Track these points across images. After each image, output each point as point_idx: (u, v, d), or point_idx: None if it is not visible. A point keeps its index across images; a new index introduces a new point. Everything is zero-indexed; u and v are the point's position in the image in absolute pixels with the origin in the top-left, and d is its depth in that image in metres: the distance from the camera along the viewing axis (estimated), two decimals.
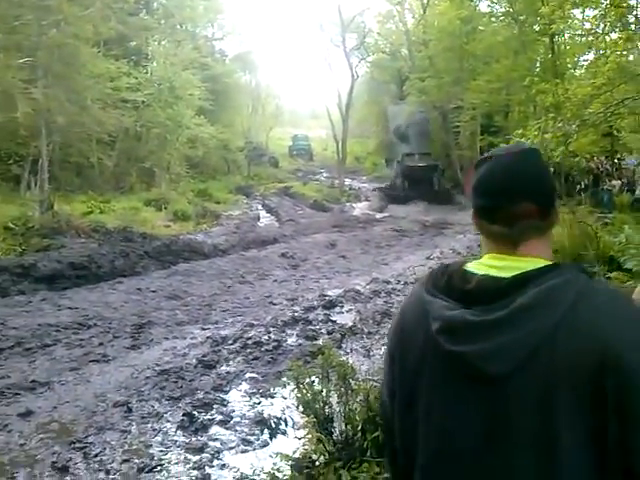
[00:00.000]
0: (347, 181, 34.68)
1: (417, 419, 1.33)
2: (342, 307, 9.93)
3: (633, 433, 1.09)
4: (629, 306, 1.25)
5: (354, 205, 29.34)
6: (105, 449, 5.09)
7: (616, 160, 25.52)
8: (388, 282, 11.63)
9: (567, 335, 1.14)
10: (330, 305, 9.94)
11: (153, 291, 11.12)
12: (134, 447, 5.15)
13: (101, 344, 7.97)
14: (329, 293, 10.86)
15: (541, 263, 1.26)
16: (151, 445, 5.19)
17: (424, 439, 1.31)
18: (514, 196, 1.30)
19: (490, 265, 1.31)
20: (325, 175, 39.43)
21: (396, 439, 1.42)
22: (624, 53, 10.90)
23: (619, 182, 23.45)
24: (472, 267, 1.33)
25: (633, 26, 10.62)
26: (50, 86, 17.87)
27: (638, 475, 1.09)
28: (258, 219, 24.11)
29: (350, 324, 8.81)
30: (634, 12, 10.62)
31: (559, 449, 1.13)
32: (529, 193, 1.30)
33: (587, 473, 1.12)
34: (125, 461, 4.90)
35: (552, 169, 8.07)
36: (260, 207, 27.56)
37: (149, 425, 5.58)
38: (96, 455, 4.98)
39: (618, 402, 1.09)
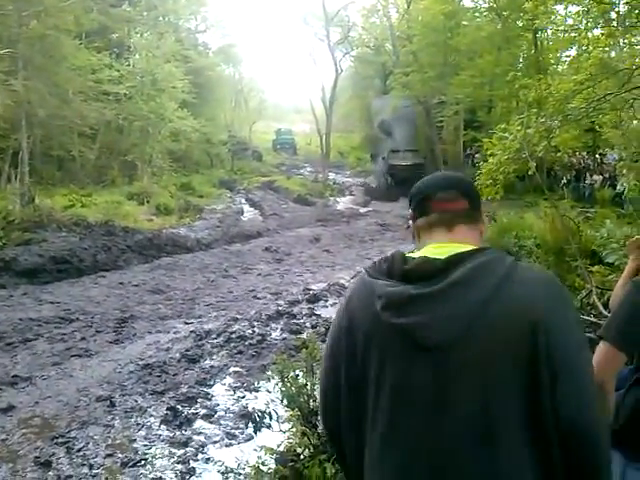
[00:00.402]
0: (331, 175, 34.62)
1: (365, 403, 1.42)
2: (326, 301, 9.96)
3: (561, 380, 1.27)
4: (552, 278, 1.44)
5: (338, 199, 29.31)
6: (88, 444, 5.07)
7: (598, 155, 25.70)
8: None
9: (502, 304, 1.31)
10: (314, 299, 9.96)
11: (136, 285, 11.08)
12: (118, 441, 5.14)
13: (83, 339, 7.93)
14: (313, 287, 10.88)
15: (472, 247, 1.43)
16: (135, 439, 5.18)
17: (375, 416, 1.39)
18: (444, 186, 1.54)
19: (428, 251, 1.46)
20: (309, 169, 39.28)
21: (342, 432, 1.51)
22: (606, 49, 10.97)
23: (600, 177, 23.64)
24: (411, 254, 1.48)
25: (615, 22, 10.70)
26: (31, 78, 17.65)
27: (564, 419, 1.27)
28: (242, 213, 24.04)
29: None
30: (616, 8, 10.70)
31: (496, 405, 1.28)
32: (457, 186, 1.54)
33: (521, 425, 1.28)
34: (109, 455, 4.88)
35: (535, 164, 8.09)
36: (244, 201, 27.47)
37: (133, 419, 5.56)
38: (79, 450, 4.96)
39: (548, 355, 1.27)
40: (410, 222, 1.62)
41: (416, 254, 1.46)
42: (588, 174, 24.37)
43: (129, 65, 25.47)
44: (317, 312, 9.24)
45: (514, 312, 1.30)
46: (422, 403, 1.32)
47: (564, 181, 23.82)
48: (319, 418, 4.08)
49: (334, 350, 1.52)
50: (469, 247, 1.42)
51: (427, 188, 1.55)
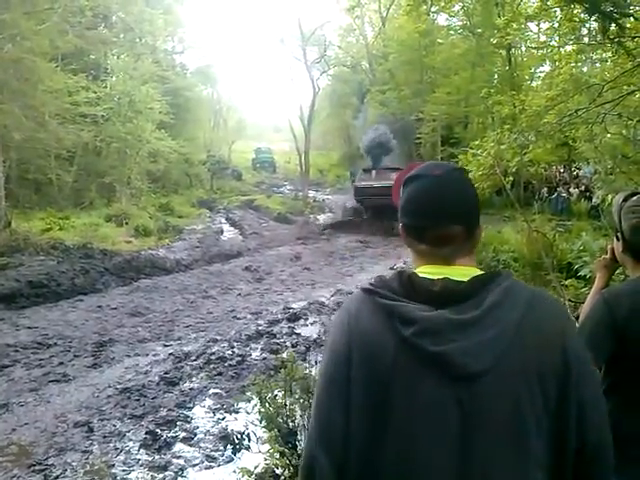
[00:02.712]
0: (311, 193, 34.68)
1: (384, 430, 1.28)
2: (306, 319, 9.94)
3: (589, 407, 1.29)
4: (558, 301, 1.46)
5: (318, 217, 29.26)
6: (66, 470, 4.99)
7: (574, 169, 26.07)
8: (352, 293, 11.66)
9: (531, 331, 1.28)
10: (294, 318, 9.94)
11: (114, 308, 10.97)
12: (96, 467, 5.06)
13: (61, 363, 7.83)
14: (293, 306, 10.86)
15: (479, 271, 1.37)
16: (114, 465, 5.10)
17: (396, 442, 1.27)
18: (441, 219, 1.38)
19: (438, 272, 1.35)
20: (289, 188, 39.40)
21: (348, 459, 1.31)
22: (578, 65, 11.15)
23: (577, 190, 23.95)
24: (424, 274, 1.36)
25: (586, 38, 10.91)
26: (6, 102, 17.55)
27: (590, 444, 1.30)
28: (221, 233, 23.95)
29: (315, 336, 8.81)
30: (587, 25, 10.91)
31: (529, 439, 1.24)
32: (455, 216, 1.38)
33: (549, 455, 1.26)
34: None
35: (511, 179, 8.19)
36: (223, 221, 27.39)
37: (111, 444, 5.48)
38: (57, 477, 4.88)
39: (578, 388, 1.27)
40: (401, 233, 1.49)
41: (428, 273, 1.36)
42: (565, 187, 24.69)
43: (106, 87, 25.41)
44: (297, 331, 9.21)
45: (545, 332, 1.29)
46: (446, 437, 1.24)
47: (541, 194, 24.11)
48: (298, 438, 4.06)
49: (339, 375, 1.34)
50: (477, 271, 1.36)
51: (418, 218, 1.41)
